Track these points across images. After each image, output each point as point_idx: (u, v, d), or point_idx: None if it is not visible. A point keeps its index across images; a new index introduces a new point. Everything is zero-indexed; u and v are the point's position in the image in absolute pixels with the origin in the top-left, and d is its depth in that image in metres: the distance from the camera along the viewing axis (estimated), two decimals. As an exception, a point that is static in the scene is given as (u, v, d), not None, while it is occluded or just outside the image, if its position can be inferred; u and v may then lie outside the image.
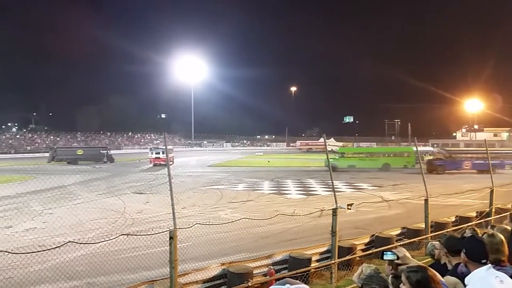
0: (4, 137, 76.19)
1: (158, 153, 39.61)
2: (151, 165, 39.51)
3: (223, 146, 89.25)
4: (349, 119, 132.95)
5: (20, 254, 6.80)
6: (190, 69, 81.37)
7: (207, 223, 10.18)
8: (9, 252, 5.55)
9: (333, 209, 8.38)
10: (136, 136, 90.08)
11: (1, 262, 7.04)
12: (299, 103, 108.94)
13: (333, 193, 8.88)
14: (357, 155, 37.47)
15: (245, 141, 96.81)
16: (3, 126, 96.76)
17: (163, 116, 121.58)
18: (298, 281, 1.69)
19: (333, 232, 8.34)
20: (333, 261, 8.04)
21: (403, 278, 2.53)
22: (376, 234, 10.20)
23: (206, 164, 42.67)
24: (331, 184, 9.05)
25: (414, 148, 33.58)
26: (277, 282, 1.70)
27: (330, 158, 34.90)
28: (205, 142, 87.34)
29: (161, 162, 38.50)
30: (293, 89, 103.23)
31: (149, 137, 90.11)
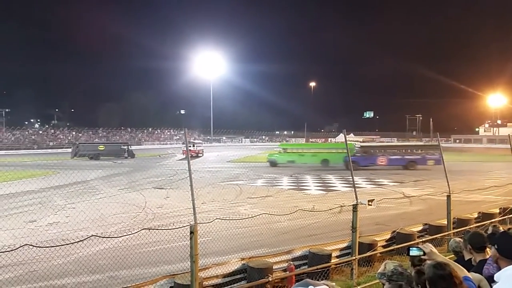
0: (27, 133, 77.83)
1: (190, 146, 40.77)
2: (177, 158, 42.48)
3: (241, 142, 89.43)
4: (369, 114, 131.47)
5: (44, 248, 6.98)
6: (209, 64, 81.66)
7: (227, 218, 10.22)
8: (33, 246, 5.68)
9: (353, 205, 8.34)
10: (156, 132, 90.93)
11: (26, 255, 7.20)
12: (318, 98, 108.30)
13: (353, 189, 8.84)
14: (297, 150, 36.27)
15: (263, 137, 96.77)
16: (26, 122, 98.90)
17: (182, 112, 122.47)
18: (318, 281, 1.69)
19: (354, 228, 8.30)
20: (353, 257, 8.00)
21: (426, 274, 2.51)
22: (398, 231, 10.10)
23: (225, 159, 42.80)
24: (351, 180, 8.98)
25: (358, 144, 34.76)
26: (298, 283, 1.69)
27: (274, 155, 36.09)
28: (224, 138, 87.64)
29: (192, 154, 41.29)
30: (312, 84, 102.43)
31: (168, 133, 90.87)
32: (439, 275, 2.35)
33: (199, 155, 46.79)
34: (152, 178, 25.89)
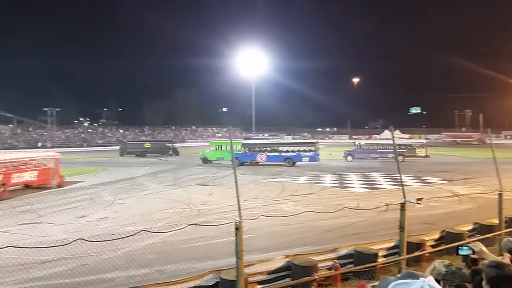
0: (77, 131, 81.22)
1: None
2: None
3: (283, 139, 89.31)
4: (415, 110, 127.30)
5: (96, 242, 7.26)
6: (250, 62, 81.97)
7: (271, 216, 10.25)
8: (86, 240, 5.91)
9: (401, 203, 8.14)
10: (199, 130, 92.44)
11: (78, 249, 7.51)
12: (362, 94, 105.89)
13: (401, 187, 8.62)
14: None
15: (305, 134, 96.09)
16: (76, 121, 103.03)
17: (224, 109, 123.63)
18: (421, 272, 1.64)
19: (401, 227, 8.09)
20: (402, 257, 7.80)
21: (483, 273, 2.42)
22: (447, 230, 9.77)
23: (343, 156, 42.44)
24: (396, 177, 8.77)
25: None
26: (401, 275, 1.65)
27: (206, 152, 36.09)
28: (265, 135, 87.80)
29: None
30: (356, 80, 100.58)
31: (211, 131, 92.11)
32: (503, 275, 2.25)
33: None
34: (196, 175, 26.33)
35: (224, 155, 34.71)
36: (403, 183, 8.94)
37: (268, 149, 34.36)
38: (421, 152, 37.25)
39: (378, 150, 37.33)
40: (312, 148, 33.13)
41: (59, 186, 21.30)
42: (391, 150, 34.63)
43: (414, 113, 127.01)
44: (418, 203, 8.32)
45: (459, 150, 51.89)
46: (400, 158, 33.80)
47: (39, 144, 64.46)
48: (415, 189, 18.81)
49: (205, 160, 35.36)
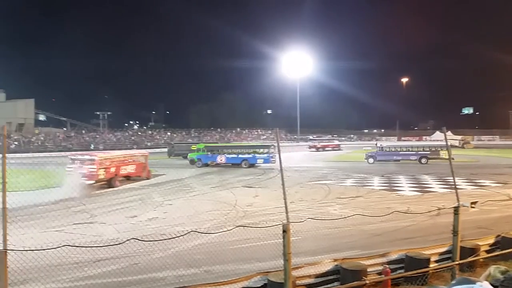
0: (127, 134, 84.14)
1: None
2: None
3: (242, 143, 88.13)
4: (467, 110, 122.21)
5: (146, 242, 7.44)
6: (295, 64, 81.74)
7: (319, 218, 10.12)
8: (139, 240, 6.07)
9: (454, 207, 7.84)
10: (244, 132, 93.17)
11: (129, 249, 7.73)
12: (411, 94, 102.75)
13: (455, 190, 8.30)
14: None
15: (352, 136, 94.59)
16: (126, 124, 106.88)
17: (269, 111, 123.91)
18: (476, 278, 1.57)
19: (455, 232, 7.80)
20: (456, 262, 7.50)
21: None
22: (502, 235, 9.29)
23: (312, 159, 42.55)
24: (448, 180, 8.46)
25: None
26: (457, 280, 1.58)
27: (194, 154, 36.79)
28: (310, 137, 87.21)
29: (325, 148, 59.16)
30: (404, 80, 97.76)
31: (256, 133, 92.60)
32: None
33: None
34: (241, 177, 26.52)
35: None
36: (457, 186, 8.59)
37: (228, 151, 36.04)
38: (444, 154, 35.44)
39: (401, 152, 36.85)
40: (266, 151, 34.37)
41: (147, 178, 25.95)
42: (414, 152, 35.94)
43: (466, 114, 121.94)
44: (472, 207, 8.05)
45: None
46: (423, 160, 35.22)
47: (92, 147, 67.30)
48: (468, 192, 18.03)
49: (192, 162, 36.73)
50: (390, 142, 46.26)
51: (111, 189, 21.48)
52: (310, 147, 60.70)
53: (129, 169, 25.15)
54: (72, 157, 23.50)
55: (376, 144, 39.62)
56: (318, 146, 60.13)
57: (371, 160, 36.88)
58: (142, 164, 26.44)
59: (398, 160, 36.25)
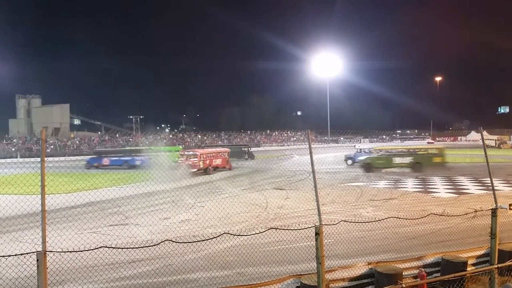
0: (159, 137, 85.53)
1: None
2: (294, 160, 44.38)
3: (360, 142, 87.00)
4: (504, 109, 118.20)
5: (179, 243, 7.52)
6: (325, 64, 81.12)
7: (353, 221, 10.00)
8: (173, 241, 6.15)
9: (492, 209, 7.61)
10: (274, 134, 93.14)
11: (162, 250, 7.83)
12: (445, 94, 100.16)
13: (492, 192, 8.03)
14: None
15: (384, 136, 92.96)
16: (158, 128, 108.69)
17: (298, 113, 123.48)
18: None
19: (493, 234, 7.58)
20: (494, 266, 7.26)
21: None
22: (544, 238, 8.94)
23: (343, 160, 42.01)
24: (485, 181, 8.22)
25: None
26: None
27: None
28: (341, 138, 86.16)
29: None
30: (438, 79, 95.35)
31: (286, 135, 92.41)
32: None
33: None
34: (272, 179, 26.49)
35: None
36: (494, 188, 8.32)
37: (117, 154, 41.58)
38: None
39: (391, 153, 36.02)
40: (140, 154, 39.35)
41: (229, 169, 34.36)
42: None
43: (503, 113, 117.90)
44: (510, 209, 7.79)
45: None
46: None
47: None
48: (506, 193, 17.41)
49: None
50: (368, 144, 45.61)
51: (145, 191, 21.87)
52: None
53: (218, 161, 33.43)
54: (181, 153, 33.29)
55: (355, 146, 40.37)
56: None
57: (349, 161, 37.20)
58: (226, 158, 34.88)
59: None
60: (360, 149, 38.30)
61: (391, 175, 27.40)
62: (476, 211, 8.96)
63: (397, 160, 30.39)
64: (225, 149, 37.91)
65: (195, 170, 29.58)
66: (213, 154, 33.45)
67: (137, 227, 12.98)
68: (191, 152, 32.37)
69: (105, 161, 39.95)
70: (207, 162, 31.55)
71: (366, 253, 9.24)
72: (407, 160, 30.13)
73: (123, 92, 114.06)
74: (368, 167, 30.64)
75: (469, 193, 18.66)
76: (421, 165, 29.48)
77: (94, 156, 42.14)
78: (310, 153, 6.80)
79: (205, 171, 30.68)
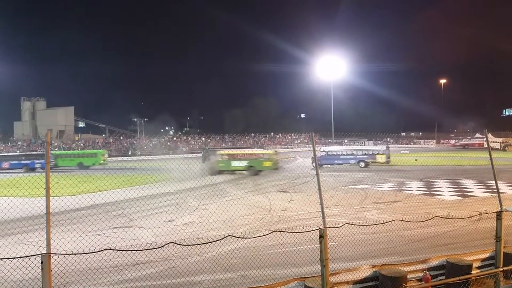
0: (163, 139, 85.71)
1: None
2: (298, 162, 44.46)
3: (364, 145, 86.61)
4: (509, 112, 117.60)
5: (183, 246, 7.52)
6: (329, 67, 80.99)
7: (357, 223, 9.96)
8: (177, 244, 6.14)
9: (497, 212, 7.57)
10: (277, 136, 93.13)
11: (166, 252, 7.83)
12: (449, 96, 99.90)
13: (497, 194, 8.00)
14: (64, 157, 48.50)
15: (388, 139, 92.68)
16: (162, 130, 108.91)
17: (302, 116, 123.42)
18: None
19: (498, 237, 7.55)
20: (499, 269, 7.22)
21: None
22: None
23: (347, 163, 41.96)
24: (490, 184, 8.19)
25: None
26: None
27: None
28: (345, 141, 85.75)
29: None
30: (443, 81, 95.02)
31: (289, 137, 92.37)
32: None
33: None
34: (275, 182, 26.47)
35: (59, 161, 46.04)
36: (499, 190, 8.29)
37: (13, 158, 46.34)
38: (381, 158, 37.74)
39: (341, 157, 38.59)
40: (39, 158, 43.18)
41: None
42: (352, 156, 38.12)
43: (508, 115, 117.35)
44: (516, 212, 7.75)
45: None
46: (361, 164, 37.26)
47: (130, 152, 68.90)
48: (511, 196, 17.30)
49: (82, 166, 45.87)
50: (333, 147, 46.21)
51: (149, 194, 21.91)
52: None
53: None
54: (216, 152, 36.29)
55: (320, 149, 41.45)
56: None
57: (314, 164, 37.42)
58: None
59: (340, 164, 37.97)
60: (327, 152, 39.52)
61: (396, 177, 27.31)
62: (481, 214, 8.92)
63: (235, 163, 33.90)
64: (259, 149, 43.19)
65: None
66: (245, 154, 35.93)
67: (141, 229, 12.99)
68: (225, 152, 35.77)
69: (5, 164, 44.27)
70: None
71: (371, 256, 9.21)
72: (243, 164, 33.63)
73: (127, 95, 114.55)
74: (212, 169, 33.63)
75: (474, 196, 18.58)
76: (254, 168, 32.87)
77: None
78: (314, 155, 6.81)
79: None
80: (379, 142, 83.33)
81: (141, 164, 44.57)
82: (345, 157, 38.25)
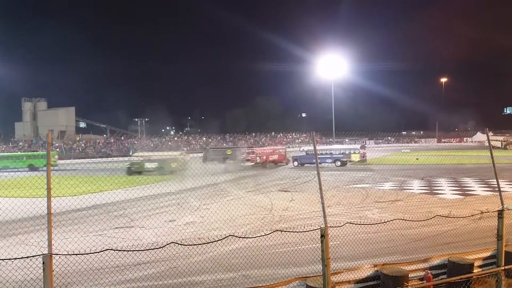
0: (164, 139, 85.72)
1: None
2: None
3: (365, 144, 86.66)
4: (510, 110, 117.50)
5: (185, 246, 7.52)
6: (330, 66, 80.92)
7: (358, 223, 9.97)
8: (179, 244, 6.14)
9: (498, 211, 7.55)
10: (278, 136, 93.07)
11: (168, 252, 7.84)
12: (450, 95, 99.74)
13: (498, 193, 7.98)
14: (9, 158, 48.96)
15: (389, 138, 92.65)
16: (163, 130, 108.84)
17: (303, 115, 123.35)
18: None
19: (499, 236, 7.51)
20: (501, 268, 7.20)
21: None
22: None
23: (349, 162, 41.95)
24: (491, 183, 8.18)
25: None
26: None
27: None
28: (346, 140, 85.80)
29: None
30: (443, 80, 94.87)
31: (290, 137, 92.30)
32: None
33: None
34: (276, 181, 26.48)
35: (10, 163, 46.83)
36: (501, 189, 8.27)
37: None
38: (355, 157, 39.54)
39: (319, 156, 38.57)
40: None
41: (286, 163, 41.98)
42: (329, 156, 39.14)
43: (509, 114, 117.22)
44: (517, 210, 7.73)
45: None
46: (337, 163, 38.37)
47: (131, 153, 68.88)
48: (511, 195, 17.29)
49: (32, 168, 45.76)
50: (311, 146, 46.34)
51: (151, 194, 21.95)
52: None
53: (274, 157, 42.06)
54: (242, 150, 42.37)
55: (299, 149, 43.95)
56: None
57: (295, 163, 40.03)
58: (282, 155, 43.49)
59: (320, 163, 36.95)
60: (307, 152, 40.17)
61: (397, 176, 27.28)
62: (482, 212, 8.90)
63: (147, 165, 35.81)
64: (282, 147, 48.69)
65: (253, 163, 39.13)
66: (270, 151, 42.35)
67: (142, 229, 13.00)
68: (251, 150, 41.81)
69: None
70: (264, 157, 40.12)
71: (372, 255, 9.20)
72: (153, 165, 35.60)
73: (128, 95, 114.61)
74: (130, 170, 35.54)
75: (475, 195, 18.56)
76: (163, 169, 34.51)
77: None
78: (315, 154, 6.79)
79: (263, 165, 39.25)
80: (380, 141, 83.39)
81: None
82: (323, 156, 38.92)
